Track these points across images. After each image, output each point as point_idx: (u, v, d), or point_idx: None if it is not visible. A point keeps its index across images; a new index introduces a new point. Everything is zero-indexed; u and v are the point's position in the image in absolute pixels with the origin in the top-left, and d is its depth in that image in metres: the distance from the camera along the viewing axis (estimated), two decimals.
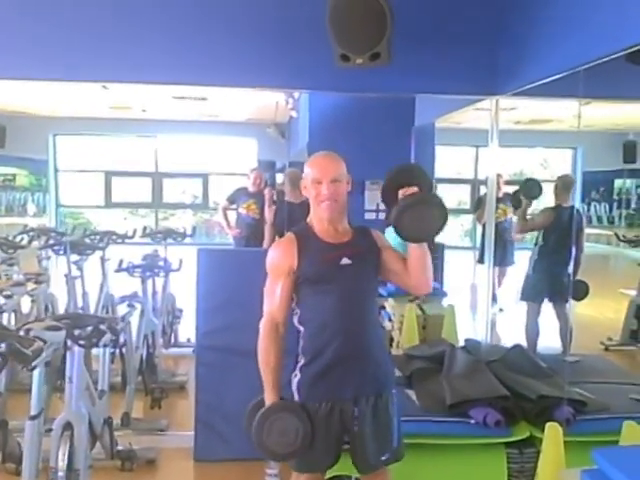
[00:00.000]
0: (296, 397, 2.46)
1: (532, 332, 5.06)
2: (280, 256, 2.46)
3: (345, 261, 2.41)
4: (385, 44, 3.15)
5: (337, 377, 2.41)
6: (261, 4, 3.71)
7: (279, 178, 10.41)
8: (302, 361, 2.47)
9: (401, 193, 2.41)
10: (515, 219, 7.15)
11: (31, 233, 5.85)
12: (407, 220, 2.35)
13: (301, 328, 2.49)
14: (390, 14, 3.10)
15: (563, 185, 5.11)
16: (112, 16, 3.66)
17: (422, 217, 2.36)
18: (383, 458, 2.49)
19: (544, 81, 3.32)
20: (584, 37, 2.92)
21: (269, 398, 2.42)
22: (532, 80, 3.45)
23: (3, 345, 1.90)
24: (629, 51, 2.65)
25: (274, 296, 2.45)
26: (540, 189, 5.29)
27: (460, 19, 3.80)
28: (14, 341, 1.95)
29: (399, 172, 2.53)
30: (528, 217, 5.30)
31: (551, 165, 12.75)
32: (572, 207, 5.02)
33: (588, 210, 9.17)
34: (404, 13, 3.25)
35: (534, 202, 5.35)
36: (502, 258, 6.39)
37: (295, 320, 2.50)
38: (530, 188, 5.33)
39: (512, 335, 5.24)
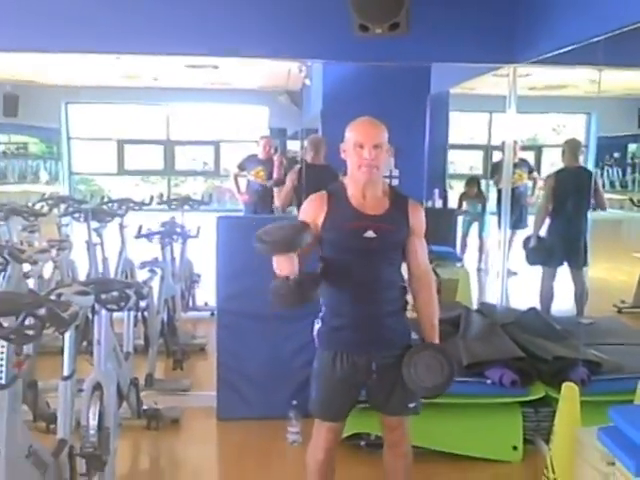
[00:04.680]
0: (316, 343, 2.54)
1: (547, 295, 5.10)
2: (310, 208, 2.48)
3: (370, 234, 2.40)
4: (404, 14, 3.17)
5: (351, 337, 2.46)
6: None
7: (290, 145, 10.44)
8: (322, 312, 2.54)
9: None
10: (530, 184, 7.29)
11: (50, 201, 5.91)
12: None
13: (323, 281, 2.51)
14: None
15: (570, 149, 5.11)
16: None
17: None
18: (411, 405, 2.52)
19: (563, 50, 3.31)
20: (604, 6, 2.90)
21: None
22: (551, 49, 3.43)
23: (43, 310, 1.95)
24: None
25: None
26: None
27: None
28: (52, 305, 2.02)
29: None
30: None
31: (564, 131, 12.67)
32: (581, 167, 5.01)
33: (602, 175, 9.16)
34: None
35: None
36: (517, 221, 6.46)
37: (319, 270, 2.52)
38: None
39: (527, 298, 5.28)
